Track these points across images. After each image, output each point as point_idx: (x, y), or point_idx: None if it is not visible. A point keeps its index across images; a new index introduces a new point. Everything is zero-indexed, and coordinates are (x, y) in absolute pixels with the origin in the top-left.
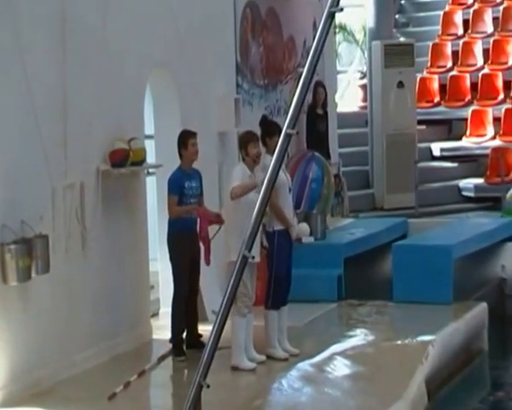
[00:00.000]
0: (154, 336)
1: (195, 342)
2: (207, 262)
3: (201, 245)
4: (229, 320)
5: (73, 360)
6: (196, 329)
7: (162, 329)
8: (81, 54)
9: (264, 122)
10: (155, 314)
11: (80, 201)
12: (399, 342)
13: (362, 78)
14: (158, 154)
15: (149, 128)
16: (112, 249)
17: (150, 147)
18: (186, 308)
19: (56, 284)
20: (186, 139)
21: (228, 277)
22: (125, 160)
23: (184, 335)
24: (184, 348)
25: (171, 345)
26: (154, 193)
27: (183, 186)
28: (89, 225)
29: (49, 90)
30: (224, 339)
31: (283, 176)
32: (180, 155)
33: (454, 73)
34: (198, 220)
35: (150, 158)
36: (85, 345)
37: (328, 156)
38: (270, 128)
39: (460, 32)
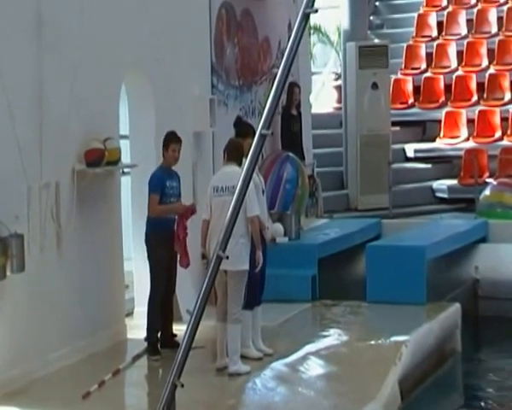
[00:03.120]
0: (129, 336)
1: (170, 341)
2: (186, 264)
3: (178, 246)
4: (204, 321)
5: (48, 359)
6: (171, 328)
7: (137, 328)
8: (57, 53)
9: (238, 123)
10: (130, 314)
11: (55, 200)
12: (373, 342)
13: (336, 79)
14: (133, 154)
15: (124, 128)
16: (87, 249)
17: (125, 147)
18: (162, 308)
19: (31, 283)
20: (168, 142)
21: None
22: (101, 159)
23: (159, 334)
24: (159, 347)
25: (145, 344)
26: (128, 193)
27: (164, 185)
28: (64, 225)
29: (24, 89)
30: (197, 339)
31: (256, 178)
32: (163, 155)
33: (428, 74)
34: (177, 220)
35: (125, 158)
36: (60, 344)
37: (302, 157)
38: (243, 129)
39: (434, 34)
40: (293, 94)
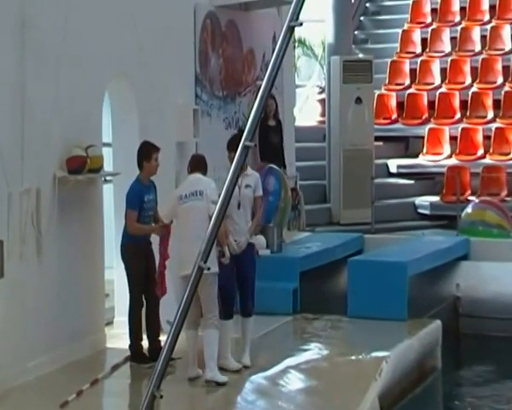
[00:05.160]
0: (108, 345)
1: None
2: (162, 293)
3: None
4: (183, 332)
5: (26, 367)
6: (158, 339)
7: (116, 337)
8: (40, 59)
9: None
10: (110, 323)
11: (36, 206)
12: (353, 357)
13: (320, 92)
14: (115, 162)
15: (107, 136)
16: (67, 256)
17: (108, 155)
18: (147, 319)
19: (10, 290)
20: (150, 152)
21: (182, 289)
22: (83, 167)
23: (147, 345)
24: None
25: (125, 354)
26: (110, 201)
27: (142, 200)
28: (44, 231)
29: (6, 94)
30: (176, 350)
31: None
32: (140, 166)
33: (412, 90)
34: (159, 250)
35: (108, 166)
36: (38, 352)
37: (283, 167)
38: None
39: (418, 50)
40: (266, 106)
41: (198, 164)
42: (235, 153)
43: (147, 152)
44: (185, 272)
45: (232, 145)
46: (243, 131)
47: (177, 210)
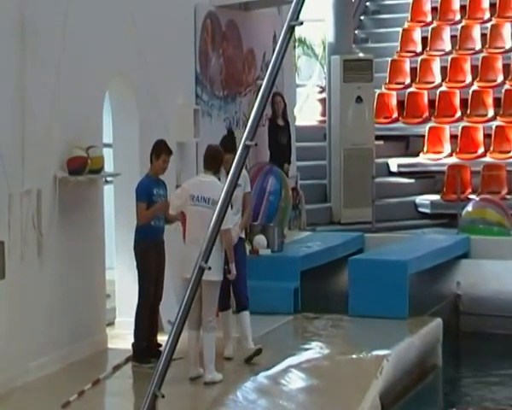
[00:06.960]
0: (110, 345)
1: (155, 351)
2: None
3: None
4: (184, 332)
5: (27, 367)
6: (156, 338)
7: (118, 338)
8: (40, 60)
9: (226, 137)
10: (111, 323)
11: (37, 207)
12: (354, 355)
13: (321, 92)
14: (116, 162)
15: (108, 137)
16: (68, 257)
17: (108, 155)
18: (149, 316)
19: (12, 290)
20: (160, 152)
21: (184, 290)
22: (83, 167)
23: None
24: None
25: (129, 354)
26: (111, 201)
27: (151, 193)
28: (45, 232)
29: (7, 95)
30: (177, 350)
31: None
32: (150, 162)
33: (412, 89)
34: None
35: (108, 166)
36: (40, 352)
37: (288, 163)
38: (227, 145)
39: (418, 49)
40: (274, 104)
41: (212, 159)
42: (227, 154)
43: (158, 150)
44: (188, 275)
45: (223, 147)
46: (232, 133)
47: (187, 207)
